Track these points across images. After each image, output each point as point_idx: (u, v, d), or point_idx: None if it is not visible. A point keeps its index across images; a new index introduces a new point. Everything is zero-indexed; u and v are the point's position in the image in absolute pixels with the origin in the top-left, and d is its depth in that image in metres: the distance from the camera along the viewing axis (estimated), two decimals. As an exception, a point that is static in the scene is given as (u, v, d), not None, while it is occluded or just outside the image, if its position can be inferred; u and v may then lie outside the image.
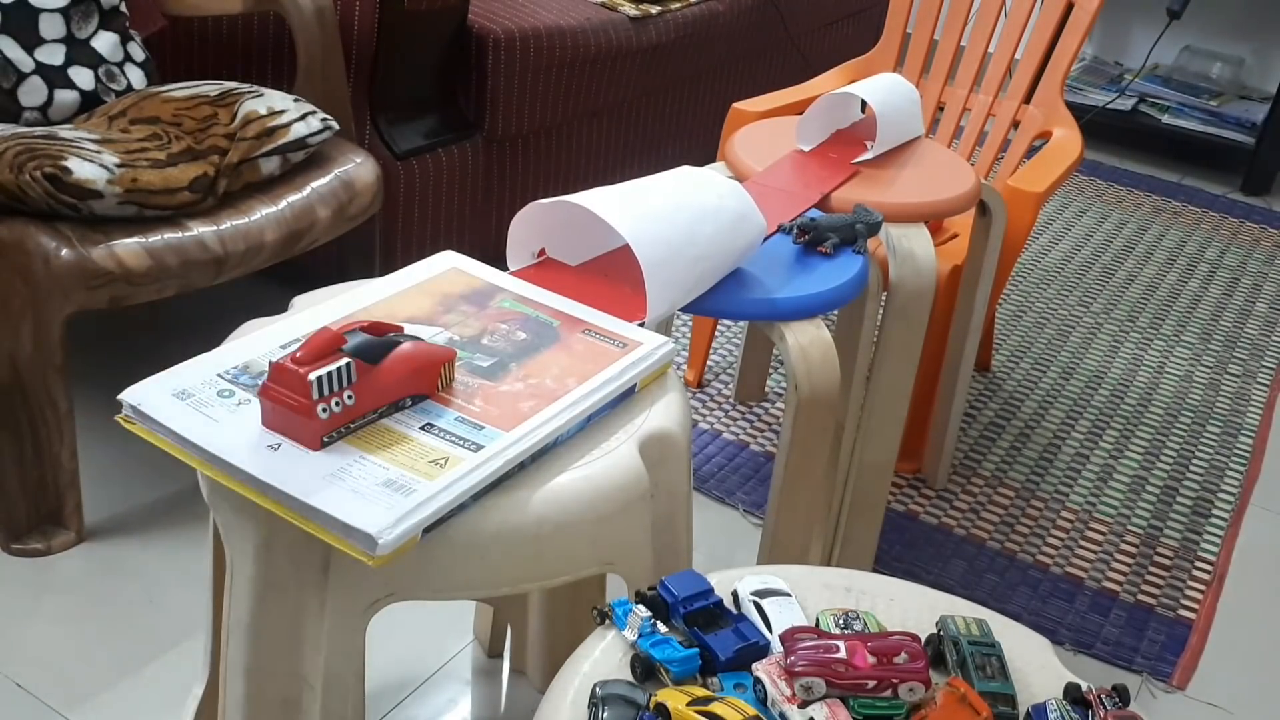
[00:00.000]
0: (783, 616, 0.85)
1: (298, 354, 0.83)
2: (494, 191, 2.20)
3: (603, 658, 0.81)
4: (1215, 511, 1.90)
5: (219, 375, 0.90)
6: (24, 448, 1.48)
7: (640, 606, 0.82)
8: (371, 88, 1.92)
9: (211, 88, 1.66)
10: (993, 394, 2.17)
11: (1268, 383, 2.31)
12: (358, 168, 1.66)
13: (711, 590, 0.84)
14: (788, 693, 0.76)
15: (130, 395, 0.86)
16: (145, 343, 1.99)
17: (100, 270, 1.38)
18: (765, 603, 0.86)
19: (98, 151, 1.44)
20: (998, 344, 2.33)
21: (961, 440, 2.01)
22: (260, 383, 0.85)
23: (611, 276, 1.14)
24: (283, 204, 1.56)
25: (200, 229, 1.47)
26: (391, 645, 1.45)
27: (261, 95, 1.63)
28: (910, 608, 0.91)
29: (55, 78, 1.61)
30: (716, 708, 0.73)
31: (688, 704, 0.73)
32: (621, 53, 2.28)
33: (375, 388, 0.86)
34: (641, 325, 1.05)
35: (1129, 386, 2.24)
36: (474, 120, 2.10)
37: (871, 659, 0.77)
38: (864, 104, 1.62)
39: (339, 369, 0.84)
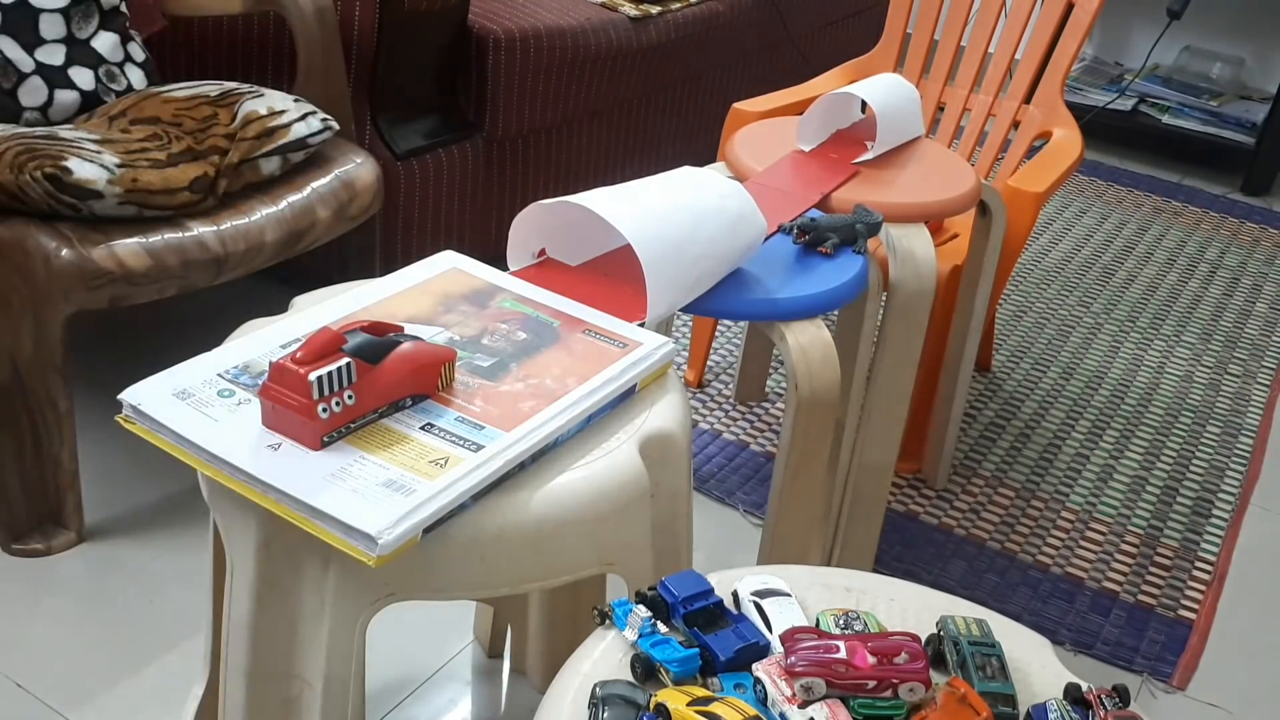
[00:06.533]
0: (783, 616, 0.85)
1: (298, 354, 0.83)
2: (494, 192, 2.20)
3: (603, 658, 0.81)
4: (1215, 511, 1.90)
5: (219, 375, 0.90)
6: (24, 448, 1.48)
7: (640, 606, 0.82)
8: (371, 88, 1.92)
9: (211, 88, 1.66)
10: (993, 394, 2.17)
11: (1268, 383, 2.31)
12: (358, 168, 1.66)
13: (711, 590, 0.84)
14: (788, 693, 0.76)
15: (130, 395, 0.86)
16: (145, 343, 1.99)
17: (100, 270, 1.38)
18: (765, 603, 0.86)
19: (98, 152, 1.44)
20: (998, 344, 2.33)
21: (961, 440, 2.01)
22: (260, 383, 0.85)
23: (612, 276, 1.14)
24: (283, 204, 1.56)
25: (200, 229, 1.47)
26: (391, 645, 1.45)
27: (262, 95, 1.63)
28: (910, 608, 0.91)
29: (55, 78, 1.61)
30: (716, 708, 0.73)
31: (688, 704, 0.73)
32: (621, 53, 2.28)
33: (375, 388, 0.86)
34: (642, 325, 1.05)
35: (1129, 386, 2.24)
36: (474, 120, 2.10)
37: (872, 659, 0.76)
38: (864, 104, 1.62)
39: (339, 369, 0.84)
